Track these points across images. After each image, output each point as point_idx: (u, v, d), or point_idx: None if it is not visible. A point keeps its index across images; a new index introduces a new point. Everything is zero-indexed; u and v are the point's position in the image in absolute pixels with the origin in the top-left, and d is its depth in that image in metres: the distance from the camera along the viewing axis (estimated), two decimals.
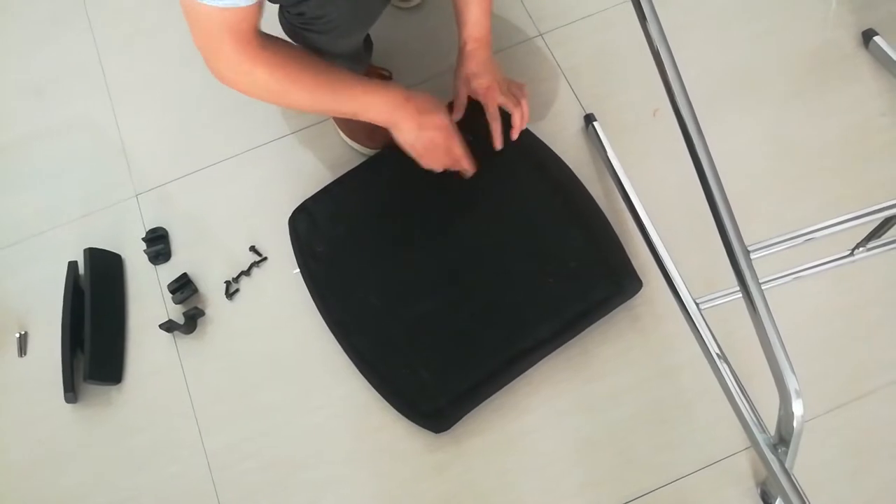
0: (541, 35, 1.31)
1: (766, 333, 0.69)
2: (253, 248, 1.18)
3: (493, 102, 1.06)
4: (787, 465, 0.81)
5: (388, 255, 1.10)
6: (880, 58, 1.21)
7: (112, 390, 1.12)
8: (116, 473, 1.07)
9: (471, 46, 1.04)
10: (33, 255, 1.22)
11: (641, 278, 1.06)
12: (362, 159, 1.19)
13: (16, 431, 1.11)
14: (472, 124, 1.09)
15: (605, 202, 1.14)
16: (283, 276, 1.15)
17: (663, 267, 1.03)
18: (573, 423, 1.04)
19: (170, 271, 1.18)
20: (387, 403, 1.04)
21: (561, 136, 1.20)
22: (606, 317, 1.05)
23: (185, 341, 1.14)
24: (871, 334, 1.05)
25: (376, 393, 1.04)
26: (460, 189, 1.11)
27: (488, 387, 1.02)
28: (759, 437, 0.85)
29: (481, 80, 1.05)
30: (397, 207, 1.13)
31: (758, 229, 0.84)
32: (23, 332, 1.16)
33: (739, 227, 0.69)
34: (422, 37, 1.31)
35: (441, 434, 1.02)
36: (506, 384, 1.02)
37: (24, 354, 1.15)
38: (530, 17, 1.32)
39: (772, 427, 0.84)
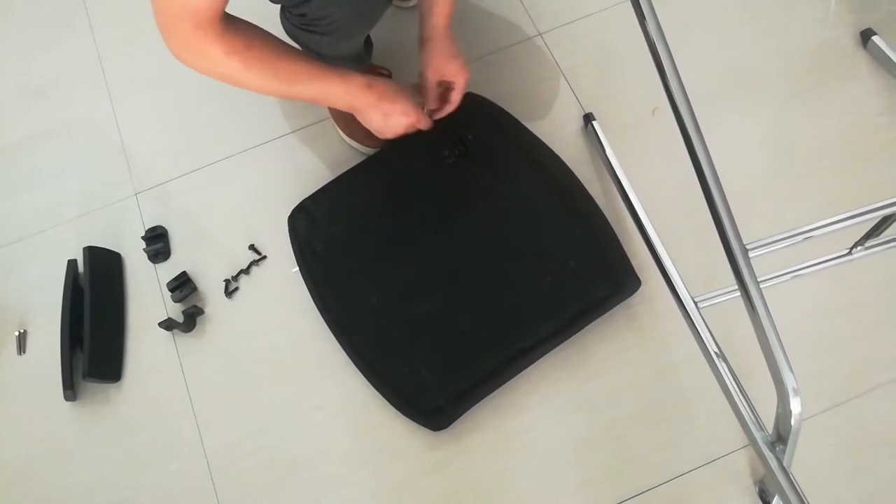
0: (540, 34, 1.31)
1: (765, 332, 0.69)
2: (252, 247, 1.19)
3: (465, 80, 1.06)
4: (784, 464, 0.81)
5: (387, 254, 1.10)
6: (879, 57, 1.21)
7: (111, 388, 1.12)
8: (116, 472, 1.07)
9: (430, 35, 1.04)
10: (33, 253, 1.22)
11: (640, 277, 1.06)
12: (361, 158, 1.20)
13: (15, 429, 1.11)
14: (470, 123, 1.09)
15: (603, 201, 1.14)
16: (283, 274, 1.16)
17: (662, 266, 1.04)
18: (572, 422, 1.04)
19: (169, 270, 1.18)
20: (386, 402, 1.04)
21: (560, 136, 1.20)
22: (605, 315, 1.05)
23: (185, 340, 1.14)
24: (870, 333, 1.05)
25: (375, 391, 1.05)
26: (460, 188, 1.12)
27: (487, 385, 1.02)
28: (758, 435, 0.85)
29: (449, 66, 1.05)
30: (396, 206, 1.13)
31: (757, 229, 0.84)
32: (22, 331, 1.16)
33: (738, 226, 0.69)
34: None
35: (440, 432, 1.02)
36: (505, 383, 1.02)
37: (24, 352, 1.15)
38: (529, 17, 1.32)
39: (770, 425, 0.84)
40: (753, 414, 0.87)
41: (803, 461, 0.85)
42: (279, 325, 1.13)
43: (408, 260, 1.10)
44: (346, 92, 0.94)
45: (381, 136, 1.05)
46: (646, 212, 1.09)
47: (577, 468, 1.02)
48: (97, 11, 1.42)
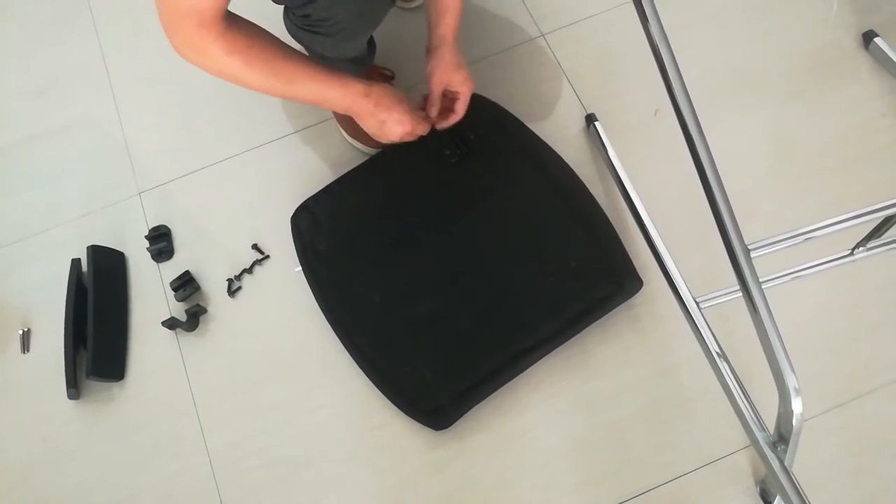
0: (543, 35, 1.31)
1: (766, 332, 0.69)
2: (255, 247, 1.19)
3: (469, 90, 1.06)
4: (786, 464, 0.81)
5: (390, 253, 1.11)
6: (880, 59, 1.22)
7: (114, 387, 1.12)
8: (118, 470, 1.07)
9: (437, 44, 1.04)
10: (37, 252, 1.23)
11: (642, 277, 1.06)
12: (364, 158, 1.20)
13: (18, 427, 1.11)
14: (472, 124, 1.10)
15: (605, 202, 1.14)
16: (285, 274, 1.16)
17: (664, 266, 1.04)
18: (573, 422, 1.04)
19: (172, 269, 1.19)
20: (388, 401, 1.04)
21: (562, 136, 1.20)
22: (607, 316, 1.05)
23: (188, 339, 1.14)
24: (871, 334, 1.05)
25: (377, 391, 1.05)
26: (462, 188, 1.12)
27: (489, 385, 1.02)
28: (759, 435, 0.85)
29: (455, 75, 1.05)
30: (399, 206, 1.14)
31: (758, 229, 0.84)
32: (26, 329, 1.16)
33: (740, 226, 0.69)
34: (424, 37, 1.31)
35: (442, 432, 1.02)
36: (506, 383, 1.03)
37: (28, 351, 1.16)
38: (532, 18, 1.32)
39: (771, 426, 0.85)
40: (755, 414, 0.88)
41: (804, 462, 0.85)
42: (282, 325, 1.13)
43: (410, 260, 1.10)
44: (344, 97, 0.94)
45: (378, 140, 1.05)
46: (648, 212, 1.09)
47: (578, 468, 1.02)
48: (101, 10, 1.43)
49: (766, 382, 0.76)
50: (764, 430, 0.86)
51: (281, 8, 0.94)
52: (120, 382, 1.12)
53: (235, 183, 1.24)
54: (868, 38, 1.22)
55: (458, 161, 1.12)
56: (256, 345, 1.13)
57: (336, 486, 1.04)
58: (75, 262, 1.18)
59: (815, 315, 1.07)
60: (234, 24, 0.84)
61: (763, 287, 0.69)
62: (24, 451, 1.10)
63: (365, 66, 1.16)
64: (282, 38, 0.89)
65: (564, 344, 1.03)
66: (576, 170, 1.13)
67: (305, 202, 1.16)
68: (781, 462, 0.82)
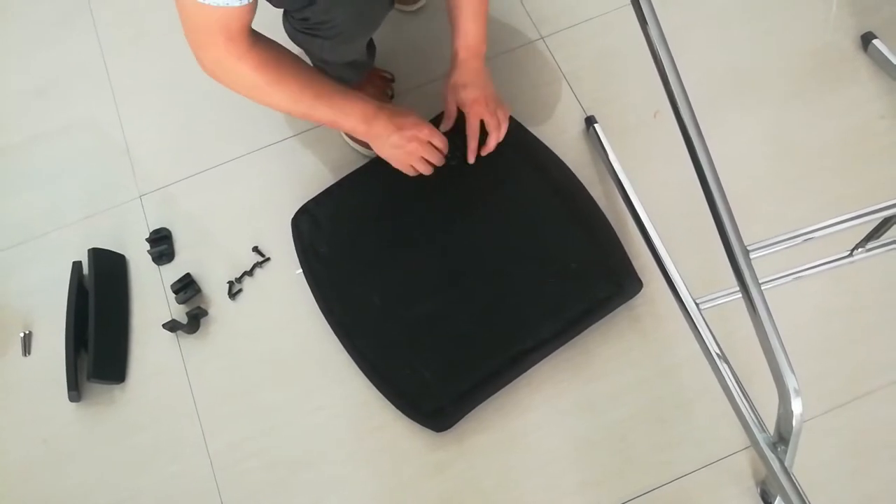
0: (542, 38, 1.31)
1: (766, 332, 0.69)
2: (256, 249, 1.19)
3: (475, 116, 1.06)
4: (786, 464, 0.82)
5: (390, 255, 1.11)
6: (879, 61, 1.22)
7: (115, 389, 1.12)
8: (119, 472, 1.07)
9: (462, 56, 1.04)
10: (37, 255, 1.23)
11: (642, 279, 1.07)
12: (364, 161, 1.20)
13: (19, 429, 1.11)
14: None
15: (605, 203, 1.14)
16: (286, 276, 1.16)
17: (664, 267, 1.04)
18: (574, 422, 1.04)
19: (173, 271, 1.19)
20: (388, 403, 1.04)
21: (562, 139, 1.21)
22: (607, 317, 1.05)
23: (188, 341, 1.14)
24: (871, 335, 1.06)
25: (378, 392, 1.05)
26: (462, 190, 1.12)
27: (490, 386, 1.02)
28: (759, 436, 0.85)
29: (469, 92, 1.05)
30: (399, 209, 1.14)
31: (758, 230, 0.84)
32: (27, 332, 1.17)
33: (740, 227, 0.69)
34: (424, 40, 1.32)
35: (443, 433, 1.03)
36: (507, 384, 1.03)
37: (29, 354, 1.16)
38: (531, 21, 1.33)
39: (771, 426, 0.85)
40: (755, 415, 0.88)
41: (804, 462, 0.85)
42: (282, 327, 1.13)
43: (410, 262, 1.10)
44: (363, 110, 0.96)
45: (399, 167, 1.04)
46: (647, 214, 1.09)
47: (579, 469, 1.02)
48: (102, 11, 1.43)
49: (766, 383, 0.76)
50: (764, 430, 0.86)
51: (280, 12, 0.94)
52: (121, 385, 1.12)
53: (236, 185, 1.25)
54: (867, 39, 1.23)
55: (458, 163, 1.12)
56: (257, 347, 1.13)
57: (336, 488, 1.04)
58: (76, 265, 1.18)
59: (815, 316, 1.07)
60: (259, 40, 0.86)
61: (762, 288, 0.69)
62: (24, 453, 1.10)
63: (365, 69, 1.16)
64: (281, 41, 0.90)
65: (565, 345, 1.04)
66: (576, 172, 1.14)
67: (306, 205, 1.16)
68: (782, 462, 0.82)
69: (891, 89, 1.21)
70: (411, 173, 1.05)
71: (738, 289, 0.71)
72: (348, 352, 1.07)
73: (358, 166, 1.18)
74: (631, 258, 1.08)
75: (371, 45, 1.15)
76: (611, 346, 1.07)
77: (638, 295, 1.06)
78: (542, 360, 1.03)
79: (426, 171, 1.05)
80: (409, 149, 1.01)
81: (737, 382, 0.91)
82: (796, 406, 0.73)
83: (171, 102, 1.33)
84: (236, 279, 1.17)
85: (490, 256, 1.09)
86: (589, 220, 1.11)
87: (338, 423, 1.07)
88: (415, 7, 1.34)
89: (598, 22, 1.32)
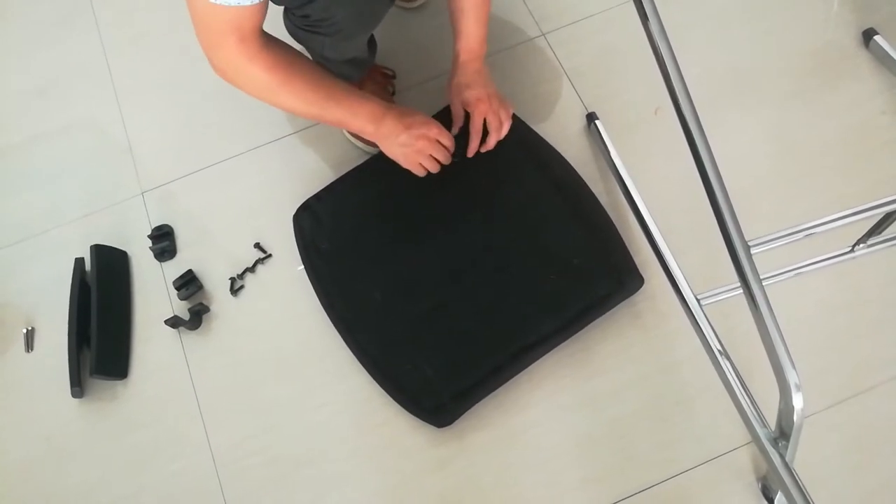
0: (543, 35, 1.31)
1: (767, 328, 0.69)
2: (257, 246, 1.19)
3: (480, 115, 1.07)
4: (787, 460, 0.82)
5: (392, 252, 1.11)
6: (881, 57, 1.22)
7: (118, 385, 1.13)
8: (121, 469, 1.08)
9: (464, 58, 1.06)
10: (40, 252, 1.23)
11: (643, 275, 1.07)
12: (365, 157, 1.20)
13: (22, 426, 1.12)
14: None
15: (606, 200, 1.14)
16: (288, 273, 1.16)
17: (665, 264, 1.04)
18: (575, 419, 1.04)
19: (175, 268, 1.19)
20: (390, 399, 1.05)
21: (563, 135, 1.21)
22: (608, 313, 1.05)
23: (191, 337, 1.15)
24: (872, 330, 1.06)
25: (380, 389, 1.05)
26: (464, 187, 1.12)
27: (490, 383, 1.03)
28: (760, 431, 0.85)
29: (473, 92, 1.06)
30: (400, 205, 1.14)
31: (759, 227, 0.84)
32: (30, 328, 1.17)
33: (741, 225, 0.69)
34: (425, 37, 1.32)
35: (444, 429, 1.03)
36: (508, 380, 1.03)
37: (32, 350, 1.16)
38: (532, 17, 1.33)
39: (773, 422, 0.85)
40: (756, 410, 0.88)
41: (805, 458, 0.85)
42: (284, 323, 1.14)
43: (411, 258, 1.10)
44: (372, 110, 0.97)
45: (408, 166, 1.04)
46: (649, 210, 1.09)
47: (580, 465, 1.02)
48: (103, 12, 1.43)
49: (767, 379, 0.77)
50: (765, 426, 0.86)
51: (281, 9, 0.95)
52: (123, 381, 1.13)
53: (238, 182, 1.25)
54: (868, 36, 1.23)
55: (459, 160, 1.12)
56: (259, 343, 1.13)
57: (338, 484, 1.04)
58: (79, 262, 1.19)
59: (816, 312, 1.07)
60: (270, 42, 0.87)
61: (764, 284, 0.70)
62: (27, 450, 1.10)
63: (366, 65, 1.17)
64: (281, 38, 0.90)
65: (566, 341, 1.04)
66: (577, 168, 1.14)
67: (307, 201, 1.16)
68: (783, 458, 0.82)
69: (892, 85, 1.21)
70: (420, 172, 1.05)
71: (739, 285, 0.71)
72: (350, 348, 1.07)
73: (359, 163, 1.19)
74: (632, 254, 1.08)
75: (372, 42, 1.15)
76: (612, 343, 1.08)
77: (639, 291, 1.07)
78: (543, 356, 1.03)
79: (434, 168, 1.05)
80: (418, 147, 1.01)
81: (738, 378, 0.91)
82: (797, 401, 0.73)
83: (172, 101, 1.33)
84: (238, 276, 1.17)
85: (491, 253, 1.09)
86: (590, 217, 1.11)
87: (340, 419, 1.07)
88: (415, 4, 1.34)
89: (599, 18, 1.32)
